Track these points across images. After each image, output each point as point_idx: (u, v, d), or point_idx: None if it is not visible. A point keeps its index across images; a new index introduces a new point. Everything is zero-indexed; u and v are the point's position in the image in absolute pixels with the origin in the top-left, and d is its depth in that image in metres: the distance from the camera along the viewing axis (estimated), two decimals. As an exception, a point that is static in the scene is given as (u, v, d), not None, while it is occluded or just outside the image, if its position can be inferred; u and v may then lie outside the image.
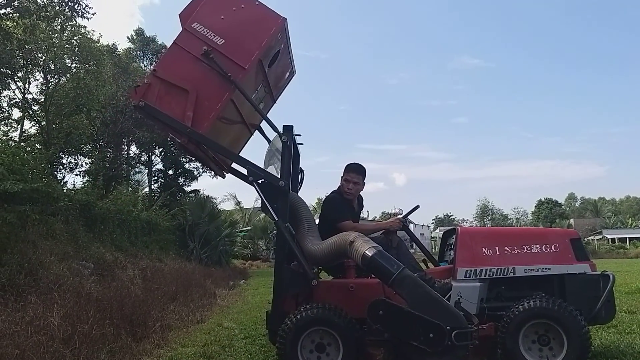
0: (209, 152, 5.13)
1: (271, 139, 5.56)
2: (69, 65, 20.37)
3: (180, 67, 4.76)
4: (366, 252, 4.25)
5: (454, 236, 5.14)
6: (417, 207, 5.42)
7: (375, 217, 71.76)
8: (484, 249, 4.88)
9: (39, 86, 20.63)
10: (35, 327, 5.73)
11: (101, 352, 5.73)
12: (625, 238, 58.38)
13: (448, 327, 3.97)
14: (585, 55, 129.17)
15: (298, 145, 5.36)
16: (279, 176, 4.85)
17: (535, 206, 79.42)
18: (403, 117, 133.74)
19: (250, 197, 53.12)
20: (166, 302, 10.07)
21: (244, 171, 4.99)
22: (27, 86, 20.47)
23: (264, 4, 4.91)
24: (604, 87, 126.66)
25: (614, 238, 59.57)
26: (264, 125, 5.66)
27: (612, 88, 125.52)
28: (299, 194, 5.55)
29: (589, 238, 57.31)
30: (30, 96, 20.85)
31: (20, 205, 9.76)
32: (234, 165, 5.43)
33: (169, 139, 19.06)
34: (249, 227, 37.87)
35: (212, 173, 30.16)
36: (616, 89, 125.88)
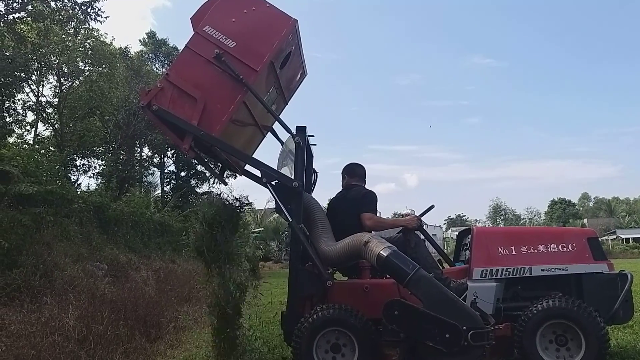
0: (221, 155, 5.14)
1: (284, 141, 5.56)
2: (82, 68, 20.56)
3: (192, 70, 4.76)
4: (381, 252, 4.23)
5: (470, 236, 5.11)
6: (432, 206, 5.40)
7: (388, 217, 71.74)
8: (499, 248, 4.85)
9: (53, 89, 20.87)
10: (50, 328, 5.76)
11: (115, 353, 5.75)
12: (640, 238, 57.77)
13: (464, 328, 3.94)
14: (600, 54, 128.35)
15: (311, 146, 5.35)
16: (292, 177, 4.85)
17: (549, 206, 78.87)
18: (414, 118, 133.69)
19: (262, 198, 53.24)
20: (180, 303, 10.11)
21: (257, 173, 4.99)
22: (41, 89, 20.70)
23: (274, 6, 4.90)
24: (618, 86, 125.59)
25: (629, 238, 58.92)
26: (276, 127, 5.64)
27: (627, 87, 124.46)
28: (313, 194, 5.54)
29: (603, 238, 56.74)
30: (44, 99, 21.07)
31: (34, 208, 9.86)
32: (248, 168, 5.42)
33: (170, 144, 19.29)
34: (260, 229, 37.91)
35: (225, 174, 30.40)
36: (630, 87, 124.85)
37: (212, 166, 5.67)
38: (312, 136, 5.16)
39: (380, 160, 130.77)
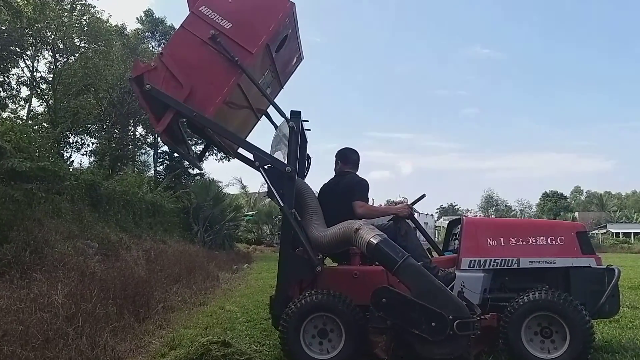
0: (214, 137, 5.11)
1: (278, 125, 5.53)
2: (78, 44, 20.34)
3: (187, 50, 4.73)
4: (371, 239, 4.24)
5: (459, 226, 5.12)
6: (424, 195, 5.42)
7: (381, 204, 71.84)
8: (488, 239, 4.87)
9: (48, 65, 20.68)
10: (39, 304, 5.74)
11: (104, 331, 5.73)
12: (630, 233, 58.28)
13: (450, 317, 3.97)
14: (599, 48, 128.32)
15: (306, 131, 5.33)
16: (285, 162, 4.84)
17: (540, 198, 79.25)
18: (412, 106, 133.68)
19: (255, 181, 53.17)
20: (169, 283, 10.11)
21: (250, 156, 4.97)
22: (35, 64, 20.50)
23: None
24: (617, 81, 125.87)
25: (619, 232, 59.42)
26: (271, 111, 5.62)
27: (626, 81, 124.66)
28: (306, 180, 5.53)
29: (593, 232, 57.14)
30: (38, 75, 20.88)
31: (27, 184, 9.81)
32: (241, 151, 5.41)
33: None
34: (253, 212, 37.93)
35: (218, 156, 30.33)
36: (629, 82, 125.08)
37: (186, 152, 5.59)
38: (307, 121, 5.14)
39: (376, 148, 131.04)
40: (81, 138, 22.89)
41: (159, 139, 28.37)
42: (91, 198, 13.53)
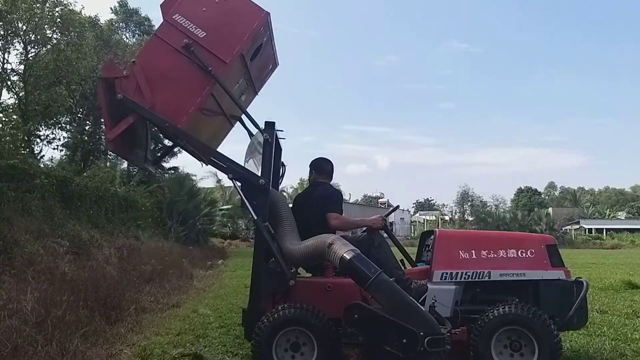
0: (187, 146, 5.06)
1: (251, 130, 5.48)
2: (50, 36, 19.92)
3: (160, 59, 4.65)
4: (344, 255, 4.24)
5: (432, 237, 5.16)
6: (398, 207, 5.46)
7: (357, 200, 72.08)
8: (460, 252, 4.91)
9: (19, 56, 20.21)
10: (8, 311, 5.63)
11: (74, 337, 5.66)
12: (602, 229, 59.47)
13: (421, 333, 3.98)
14: (574, 46, 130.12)
15: (280, 140, 5.30)
16: (259, 171, 4.80)
17: (515, 194, 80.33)
18: (389, 100, 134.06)
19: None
20: (141, 283, 10.00)
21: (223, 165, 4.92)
22: (6, 56, 20.01)
23: None
24: (594, 74, 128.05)
25: (591, 228, 60.60)
26: (245, 117, 5.57)
27: (603, 75, 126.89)
28: (280, 186, 5.52)
29: (566, 227, 58.13)
30: (9, 66, 20.40)
31: (-5, 183, 9.61)
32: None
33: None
34: (229, 206, 37.73)
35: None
36: (606, 76, 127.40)
37: (140, 157, 5.53)
38: (281, 130, 5.10)
39: (353, 141, 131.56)
40: (52, 132, 22.47)
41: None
42: (62, 194, 13.27)
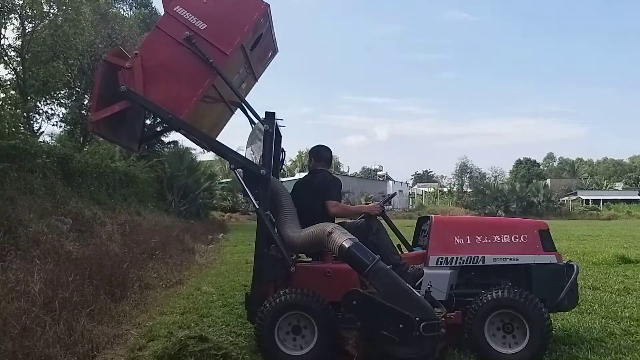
0: (189, 135, 5.18)
1: (252, 117, 5.58)
2: (47, 11, 19.75)
3: (162, 51, 4.74)
4: (343, 243, 4.40)
5: (428, 223, 5.32)
6: (395, 194, 5.63)
7: (356, 172, 72.22)
8: (455, 237, 5.07)
9: (15, 31, 20.06)
10: (16, 293, 5.80)
11: (80, 316, 5.83)
12: (599, 200, 59.75)
13: (417, 319, 4.16)
14: (575, 11, 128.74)
15: (280, 128, 5.41)
16: (259, 159, 4.92)
17: (514, 165, 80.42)
18: (389, 71, 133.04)
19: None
20: (145, 259, 10.19)
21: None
22: (2, 31, 19.85)
23: None
24: (592, 46, 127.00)
25: (589, 199, 60.91)
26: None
27: (606, 42, 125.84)
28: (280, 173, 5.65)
29: (563, 198, 58.46)
30: (5, 42, 20.26)
31: (-1, 163, 9.71)
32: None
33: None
34: (228, 180, 37.88)
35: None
36: (609, 43, 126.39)
37: (127, 136, 5.64)
38: (281, 119, 5.21)
39: (352, 112, 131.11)
40: (51, 108, 22.45)
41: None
42: (64, 172, 13.38)
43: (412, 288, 4.38)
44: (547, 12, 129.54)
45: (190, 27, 4.69)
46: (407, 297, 4.24)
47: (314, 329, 4.61)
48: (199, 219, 24.24)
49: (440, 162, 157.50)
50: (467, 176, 68.41)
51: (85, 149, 19.95)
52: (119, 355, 5.07)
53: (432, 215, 5.44)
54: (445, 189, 66.71)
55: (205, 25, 4.71)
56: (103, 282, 7.35)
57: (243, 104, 5.38)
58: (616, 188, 71.21)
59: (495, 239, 5.08)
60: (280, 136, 5.59)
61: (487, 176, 67.09)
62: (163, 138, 28.81)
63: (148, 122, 18.04)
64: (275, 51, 5.77)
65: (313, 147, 5.66)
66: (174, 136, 30.21)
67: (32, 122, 19.87)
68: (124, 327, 6.10)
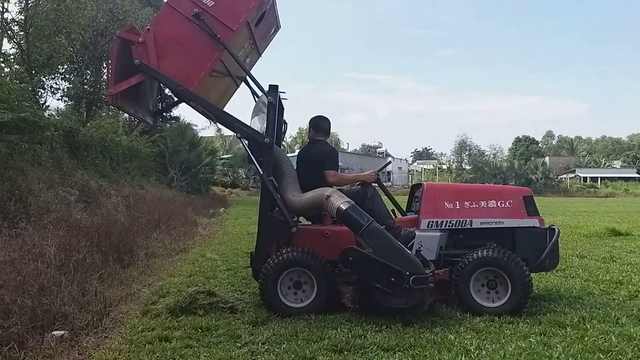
0: (198, 107, 5.53)
1: (256, 91, 5.92)
2: (49, -16, 19.89)
3: (172, 27, 5.08)
4: (340, 205, 4.81)
5: (420, 190, 5.70)
6: (389, 162, 5.99)
7: (356, 149, 72.47)
8: (445, 202, 5.47)
9: (18, 5, 20.23)
10: (32, 255, 6.16)
11: (92, 279, 6.21)
12: (597, 177, 60.14)
13: (407, 273, 4.57)
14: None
15: (283, 101, 5.75)
16: (264, 129, 5.28)
17: (513, 143, 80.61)
18: (389, 47, 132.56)
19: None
20: (150, 230, 10.57)
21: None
22: (5, 5, 20.02)
23: None
24: (597, 21, 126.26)
25: (587, 177, 61.27)
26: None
27: (606, 23, 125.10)
28: (283, 143, 6.01)
29: (562, 176, 58.81)
30: (8, 16, 20.43)
31: (8, 135, 10.02)
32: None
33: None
34: (229, 155, 38.30)
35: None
36: (608, 24, 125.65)
37: (143, 108, 6.00)
38: (284, 92, 5.56)
39: (352, 89, 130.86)
40: (56, 83, 22.72)
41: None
42: (69, 145, 13.69)
43: (403, 246, 4.78)
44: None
45: (199, 4, 5.01)
46: (399, 254, 4.65)
47: (313, 284, 5.03)
48: (200, 193, 24.65)
49: (440, 139, 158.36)
50: (466, 153, 68.69)
51: (89, 124, 20.25)
52: (133, 309, 5.46)
53: (424, 182, 5.83)
54: (444, 167, 67.03)
55: (213, 3, 5.03)
56: (112, 248, 7.70)
57: (248, 77, 5.70)
58: (614, 166, 71.59)
59: (482, 204, 5.47)
60: (283, 108, 5.93)
61: (486, 153, 67.40)
62: (165, 114, 29.13)
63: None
64: (278, 27, 6.08)
65: (312, 118, 6.00)
66: (175, 112, 30.57)
67: (37, 96, 20.11)
68: (135, 287, 6.49)
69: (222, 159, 36.22)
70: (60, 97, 23.25)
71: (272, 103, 5.20)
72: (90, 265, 6.54)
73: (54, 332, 4.45)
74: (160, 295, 5.91)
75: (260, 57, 6.17)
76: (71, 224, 8.09)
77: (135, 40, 5.08)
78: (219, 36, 4.96)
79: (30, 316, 4.63)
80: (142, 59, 4.96)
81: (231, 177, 38.32)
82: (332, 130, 6.23)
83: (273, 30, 6.03)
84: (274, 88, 5.29)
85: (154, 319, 4.93)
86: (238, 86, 6.15)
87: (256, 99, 5.83)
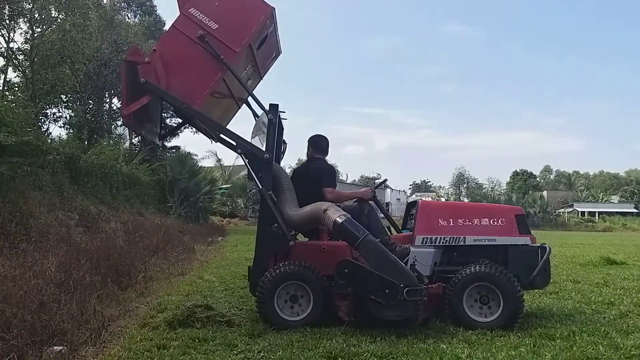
0: (200, 125, 5.72)
1: (257, 112, 6.13)
2: (55, 16, 20.36)
3: (177, 48, 5.32)
4: (337, 219, 4.95)
5: (416, 207, 5.84)
6: (386, 180, 6.12)
7: (354, 180, 72.74)
8: (440, 219, 5.61)
9: (24, 35, 20.68)
10: (33, 272, 6.26)
11: (91, 298, 6.28)
12: (595, 212, 60.23)
13: (401, 285, 4.69)
14: (572, 27, 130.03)
15: (282, 120, 5.95)
16: (264, 147, 5.46)
17: (510, 177, 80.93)
18: (388, 82, 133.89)
19: (230, 155, 53.50)
20: (148, 255, 10.60)
21: (232, 142, 5.58)
22: (12, 35, 20.45)
23: None
24: (590, 61, 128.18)
25: (584, 211, 61.34)
26: (251, 99, 6.20)
27: (598, 63, 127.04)
28: (282, 162, 6.18)
29: (560, 210, 58.91)
30: (14, 45, 20.85)
31: (11, 157, 10.18)
32: (223, 136, 5.99)
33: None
34: (228, 185, 38.34)
35: (193, 130, 30.61)
36: (601, 64, 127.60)
37: (151, 131, 6.20)
38: (284, 112, 5.76)
39: (352, 122, 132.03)
40: (58, 110, 23.06)
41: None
42: (70, 171, 13.86)
43: (397, 259, 4.90)
44: (545, 27, 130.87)
45: (203, 26, 5.25)
46: (393, 266, 4.78)
47: (309, 297, 5.12)
48: (199, 222, 24.66)
49: (438, 172, 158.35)
50: (464, 186, 69.01)
51: (90, 151, 20.49)
52: (132, 323, 5.54)
53: (419, 200, 5.97)
54: (442, 199, 67.21)
55: (217, 26, 5.27)
56: (110, 270, 7.75)
57: (249, 98, 5.91)
58: (612, 201, 71.74)
59: (475, 222, 5.61)
60: (283, 128, 6.12)
61: (484, 186, 67.70)
62: (166, 143, 29.41)
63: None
64: (279, 52, 6.33)
65: (311, 136, 6.18)
66: (176, 141, 30.88)
67: (40, 123, 20.38)
68: (134, 304, 6.56)
69: (221, 188, 36.24)
70: (62, 125, 23.56)
71: (272, 121, 5.39)
72: (90, 284, 6.60)
73: (54, 347, 4.49)
74: (158, 310, 5.98)
75: (262, 80, 6.39)
76: (71, 245, 8.18)
77: (141, 60, 5.30)
78: (222, 57, 5.17)
79: (30, 331, 4.68)
80: (148, 78, 5.16)
81: (230, 207, 38.36)
82: (333, 163, 6.40)
83: (274, 54, 6.27)
84: (274, 107, 5.49)
85: (152, 331, 5.02)
86: (239, 107, 6.35)
87: (256, 119, 6.02)
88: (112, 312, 6.20)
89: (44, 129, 21.19)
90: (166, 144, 29.31)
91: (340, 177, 66.12)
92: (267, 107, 5.57)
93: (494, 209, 6.10)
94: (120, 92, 6.05)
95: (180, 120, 6.34)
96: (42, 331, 4.80)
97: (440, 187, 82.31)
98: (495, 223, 5.63)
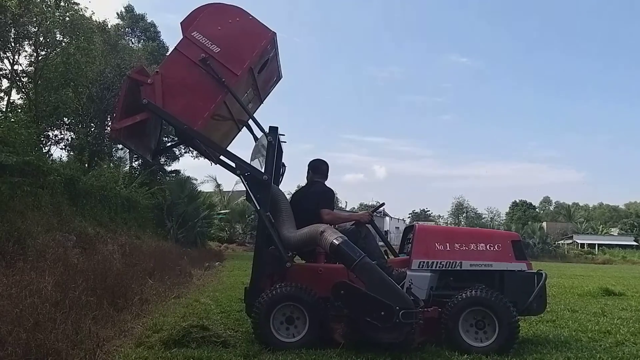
0: (200, 146, 5.79)
1: (257, 135, 6.21)
2: (60, 39, 20.62)
3: (180, 70, 5.40)
4: (334, 240, 4.98)
5: (413, 231, 5.87)
6: (383, 204, 6.20)
7: (354, 207, 72.72)
8: (436, 244, 5.63)
9: (28, 58, 20.90)
10: (29, 291, 6.25)
11: (87, 318, 6.26)
12: (595, 244, 60.10)
13: (397, 307, 4.70)
14: (571, 63, 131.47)
15: (282, 143, 6.02)
16: (263, 170, 5.51)
17: (510, 207, 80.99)
18: (388, 111, 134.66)
19: (229, 180, 53.61)
20: (144, 277, 10.58)
21: (231, 164, 5.65)
22: (16, 57, 20.69)
23: (256, 19, 5.55)
24: (590, 95, 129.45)
25: (584, 243, 61.22)
26: (251, 122, 6.28)
27: (599, 96, 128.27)
28: (281, 185, 6.23)
29: (559, 242, 58.81)
30: (19, 67, 21.07)
31: (12, 177, 10.25)
32: (222, 158, 6.06)
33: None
34: (227, 210, 38.32)
35: (194, 154, 30.77)
36: (600, 96, 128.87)
37: (144, 147, 6.26)
38: (283, 135, 5.82)
39: (352, 150, 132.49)
40: (60, 132, 23.19)
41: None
42: (70, 192, 13.93)
43: (393, 281, 4.91)
44: (545, 63, 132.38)
45: (205, 50, 5.34)
46: (389, 289, 4.79)
47: (305, 319, 5.13)
48: (196, 247, 24.61)
49: (437, 201, 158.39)
50: (464, 215, 68.96)
51: (90, 174, 20.58)
52: (127, 343, 5.52)
53: (416, 224, 6.01)
54: (441, 228, 67.03)
55: (219, 49, 5.37)
56: (106, 292, 7.73)
57: (249, 121, 5.99)
58: (612, 233, 71.66)
59: (472, 247, 5.63)
60: (282, 151, 6.19)
61: (483, 216, 67.65)
62: (165, 167, 29.53)
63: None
64: (279, 77, 6.43)
65: (312, 161, 6.25)
66: (176, 165, 30.99)
67: (42, 144, 20.48)
68: (129, 325, 6.54)
69: (220, 214, 36.25)
70: (63, 147, 23.67)
71: (271, 143, 5.46)
72: (85, 305, 6.59)
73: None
74: (154, 330, 5.96)
75: (262, 104, 6.48)
76: (68, 265, 8.18)
77: (144, 81, 5.39)
78: (223, 80, 5.26)
79: (25, 349, 4.69)
80: (150, 99, 5.24)
81: (228, 232, 38.32)
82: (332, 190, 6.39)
83: (275, 78, 6.37)
84: (273, 129, 5.57)
85: (148, 350, 5.01)
86: (240, 130, 6.42)
87: (256, 142, 6.10)
88: (107, 332, 6.17)
89: (46, 151, 21.28)
90: (166, 167, 29.47)
91: (340, 205, 66.20)
92: (267, 130, 5.64)
93: (491, 235, 6.13)
94: (115, 106, 6.10)
95: (175, 139, 6.37)
96: (37, 350, 4.78)
97: (439, 216, 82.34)
98: (492, 248, 5.65)
